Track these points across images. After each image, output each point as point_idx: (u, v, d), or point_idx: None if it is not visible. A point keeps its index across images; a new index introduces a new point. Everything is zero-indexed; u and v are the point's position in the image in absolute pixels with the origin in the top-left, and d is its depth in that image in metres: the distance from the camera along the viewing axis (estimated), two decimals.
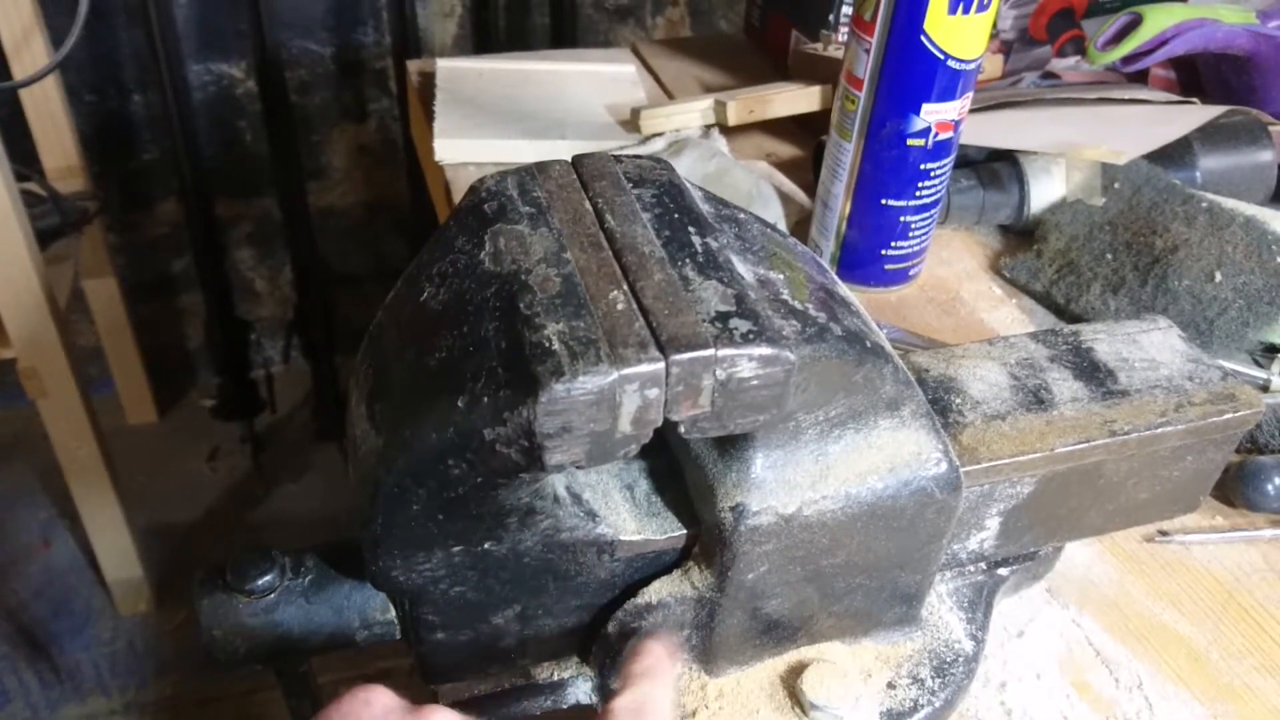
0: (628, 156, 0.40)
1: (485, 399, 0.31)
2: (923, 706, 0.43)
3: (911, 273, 0.70)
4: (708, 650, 0.42)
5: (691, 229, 0.36)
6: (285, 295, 1.83)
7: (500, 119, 0.82)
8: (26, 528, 1.61)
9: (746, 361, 0.32)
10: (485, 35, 1.62)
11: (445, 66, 0.90)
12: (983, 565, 0.48)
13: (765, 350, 0.32)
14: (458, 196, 0.75)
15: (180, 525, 1.64)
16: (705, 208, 0.39)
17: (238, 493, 1.72)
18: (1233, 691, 0.46)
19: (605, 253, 0.35)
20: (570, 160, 0.39)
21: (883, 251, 0.68)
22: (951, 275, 0.72)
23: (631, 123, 0.82)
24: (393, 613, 0.40)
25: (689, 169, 0.73)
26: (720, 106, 0.82)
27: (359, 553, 0.38)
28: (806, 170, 0.81)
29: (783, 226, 0.69)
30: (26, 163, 1.39)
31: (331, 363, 1.72)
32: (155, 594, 1.52)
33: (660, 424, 0.32)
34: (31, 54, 1.38)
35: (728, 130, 0.83)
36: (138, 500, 1.47)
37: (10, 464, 1.70)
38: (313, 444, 1.78)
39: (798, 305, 0.35)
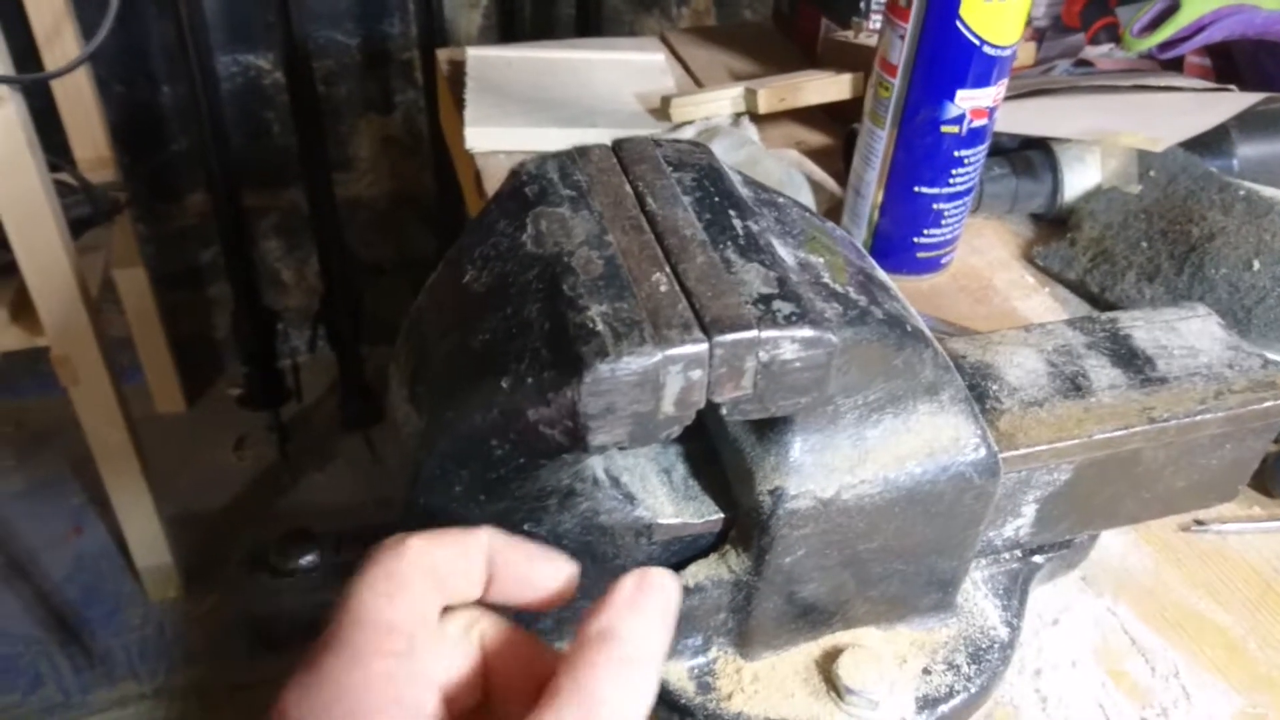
0: (667, 140, 0.40)
1: (529, 379, 0.31)
2: (958, 692, 0.43)
3: (944, 261, 0.70)
4: (743, 634, 0.42)
5: (732, 212, 0.36)
6: (312, 285, 1.84)
7: (530, 107, 0.82)
8: (58, 514, 1.64)
9: (789, 343, 0.32)
10: (510, 25, 1.62)
11: (475, 55, 0.90)
12: (1018, 553, 0.48)
13: (808, 332, 0.32)
14: (489, 184, 0.75)
15: (208, 513, 1.65)
16: (745, 191, 0.39)
17: (264, 481, 1.73)
18: (1270, 682, 0.46)
19: (647, 235, 0.35)
20: (610, 144, 0.39)
21: (915, 239, 0.67)
22: (984, 264, 0.72)
23: (661, 111, 0.82)
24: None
25: (720, 157, 0.72)
26: (751, 94, 0.82)
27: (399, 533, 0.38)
28: (837, 158, 0.81)
29: None
30: (58, 153, 1.40)
31: (357, 352, 1.73)
32: (184, 580, 1.53)
33: (703, 405, 0.32)
34: (63, 45, 1.40)
35: (758, 118, 0.83)
36: (166, 488, 1.49)
37: (43, 452, 1.72)
38: (338, 433, 1.79)
39: (838, 288, 0.35)
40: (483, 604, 0.33)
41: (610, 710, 0.28)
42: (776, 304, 0.32)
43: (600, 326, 0.31)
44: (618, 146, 0.39)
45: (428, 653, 0.30)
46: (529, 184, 0.37)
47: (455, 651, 0.32)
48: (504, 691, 0.32)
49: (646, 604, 0.31)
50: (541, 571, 0.33)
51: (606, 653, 0.29)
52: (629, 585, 0.31)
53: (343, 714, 0.27)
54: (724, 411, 0.33)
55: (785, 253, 0.36)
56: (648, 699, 0.29)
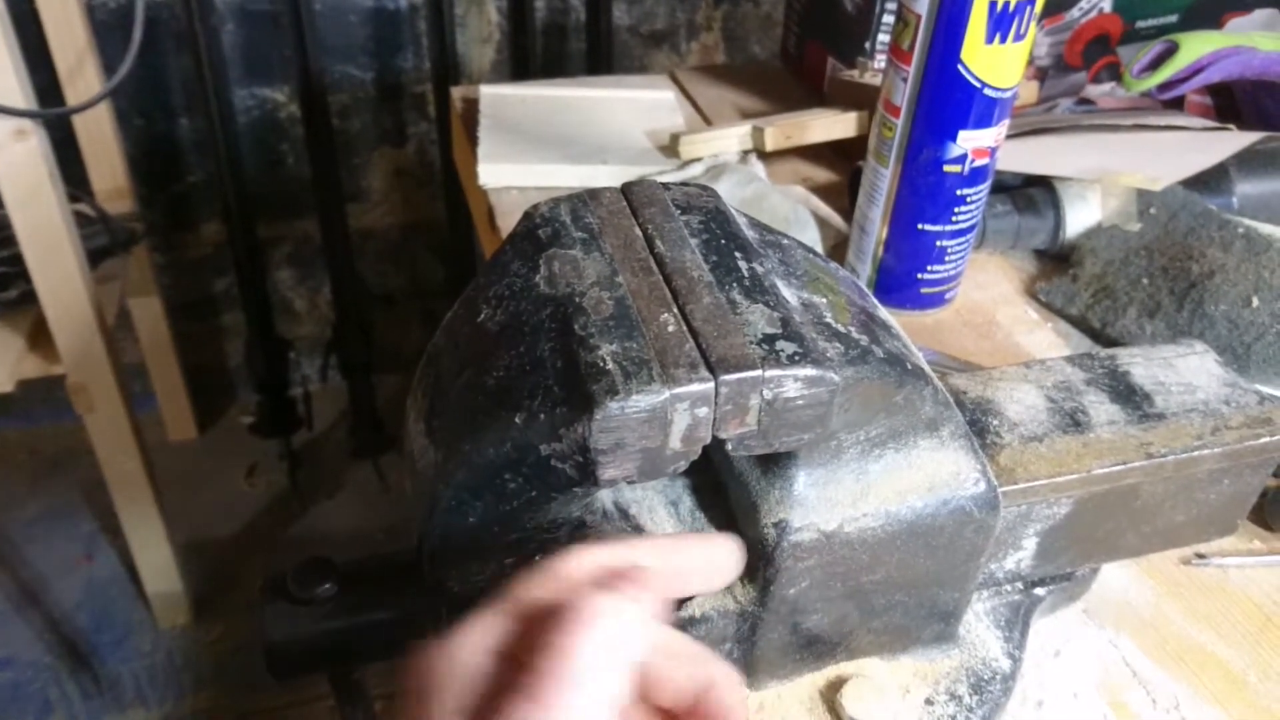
0: (675, 184, 0.41)
1: (542, 416, 0.32)
2: None
3: (947, 296, 0.71)
4: (749, 664, 0.43)
5: (738, 254, 0.38)
6: (324, 315, 1.86)
7: (542, 144, 0.84)
8: (70, 541, 1.65)
9: (792, 382, 0.33)
10: (522, 60, 1.65)
11: (489, 93, 0.92)
12: (1019, 585, 0.49)
13: (810, 371, 0.33)
14: (501, 220, 0.77)
15: (219, 540, 1.66)
16: (750, 234, 0.40)
17: (275, 509, 1.74)
18: (1271, 715, 0.47)
19: (655, 277, 0.36)
20: (620, 188, 0.41)
21: (919, 275, 0.69)
22: (987, 299, 0.73)
23: (671, 148, 0.84)
24: (446, 623, 0.41)
25: (727, 193, 0.74)
26: (758, 132, 0.83)
27: (415, 563, 0.39)
28: (842, 195, 0.82)
29: (820, 251, 0.70)
30: (77, 184, 1.43)
31: (368, 382, 1.74)
32: (194, 608, 1.54)
33: (709, 441, 0.33)
34: (85, 80, 1.43)
35: (765, 155, 0.85)
36: (177, 515, 1.50)
37: (56, 478, 1.73)
38: (348, 462, 1.80)
39: (840, 328, 0.37)
40: None
41: None
42: (780, 344, 0.33)
43: (610, 365, 0.32)
44: (627, 190, 0.40)
45: None
46: (542, 226, 0.39)
47: None
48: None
49: None
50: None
51: None
52: None
53: None
54: (729, 447, 0.34)
55: (789, 293, 0.37)
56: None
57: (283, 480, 1.77)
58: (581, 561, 0.30)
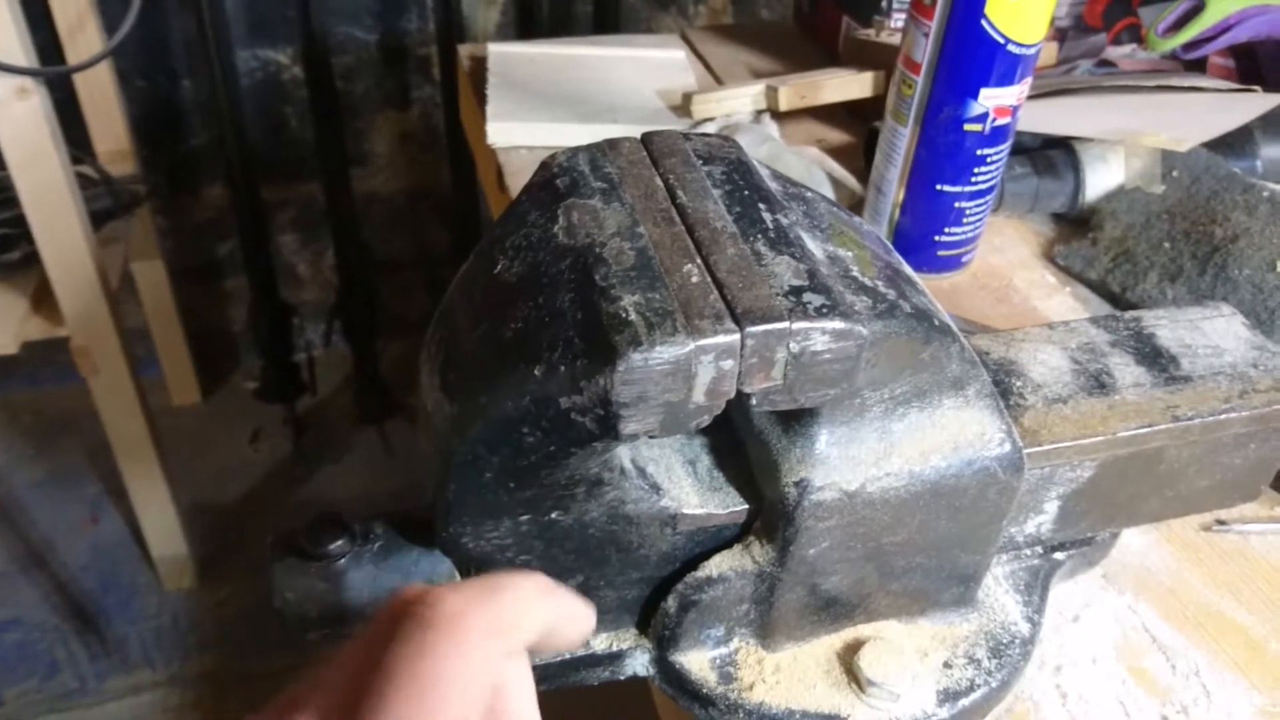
0: (696, 135, 0.40)
1: (562, 368, 0.31)
2: (979, 686, 0.43)
3: (964, 259, 0.70)
4: (766, 625, 0.42)
5: (762, 205, 0.37)
6: (328, 280, 1.85)
7: (552, 103, 0.82)
8: (76, 503, 1.65)
9: (820, 335, 0.32)
10: (528, 22, 1.63)
11: (497, 51, 0.90)
12: (1040, 549, 0.48)
13: (839, 324, 0.32)
14: (510, 179, 0.75)
15: (223, 504, 1.67)
16: (773, 185, 0.39)
17: (279, 473, 1.74)
18: None
19: (678, 227, 0.35)
20: (640, 137, 0.39)
21: (936, 238, 0.67)
22: (1004, 263, 0.72)
23: (682, 107, 0.82)
24: (459, 580, 0.40)
25: None
26: (772, 92, 0.82)
27: (427, 521, 0.39)
28: (857, 157, 0.81)
29: None
30: (80, 146, 1.41)
31: (372, 347, 1.73)
32: (199, 570, 1.54)
33: (733, 395, 0.32)
34: (86, 39, 1.41)
35: (779, 116, 0.83)
36: (182, 479, 1.50)
37: (61, 441, 1.73)
38: (352, 427, 1.80)
39: (867, 282, 0.36)
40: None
41: None
42: (807, 296, 0.32)
43: (633, 316, 0.31)
44: (648, 140, 0.39)
45: None
46: (560, 176, 0.37)
47: None
48: None
49: None
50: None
51: None
52: None
53: None
54: (753, 402, 0.33)
55: (814, 246, 0.36)
56: None
57: (287, 445, 1.77)
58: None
